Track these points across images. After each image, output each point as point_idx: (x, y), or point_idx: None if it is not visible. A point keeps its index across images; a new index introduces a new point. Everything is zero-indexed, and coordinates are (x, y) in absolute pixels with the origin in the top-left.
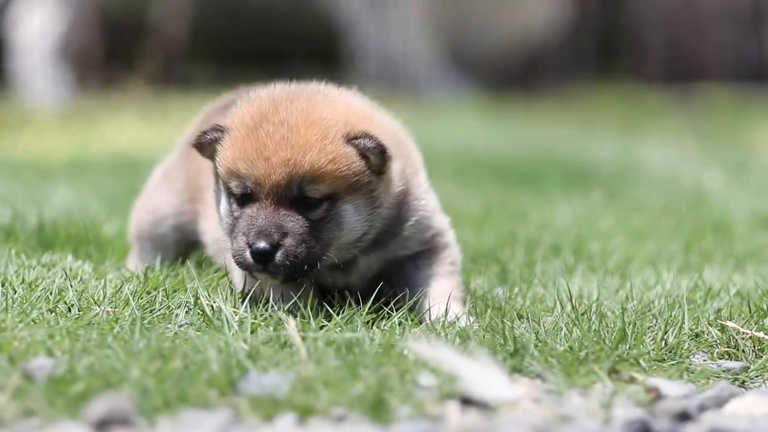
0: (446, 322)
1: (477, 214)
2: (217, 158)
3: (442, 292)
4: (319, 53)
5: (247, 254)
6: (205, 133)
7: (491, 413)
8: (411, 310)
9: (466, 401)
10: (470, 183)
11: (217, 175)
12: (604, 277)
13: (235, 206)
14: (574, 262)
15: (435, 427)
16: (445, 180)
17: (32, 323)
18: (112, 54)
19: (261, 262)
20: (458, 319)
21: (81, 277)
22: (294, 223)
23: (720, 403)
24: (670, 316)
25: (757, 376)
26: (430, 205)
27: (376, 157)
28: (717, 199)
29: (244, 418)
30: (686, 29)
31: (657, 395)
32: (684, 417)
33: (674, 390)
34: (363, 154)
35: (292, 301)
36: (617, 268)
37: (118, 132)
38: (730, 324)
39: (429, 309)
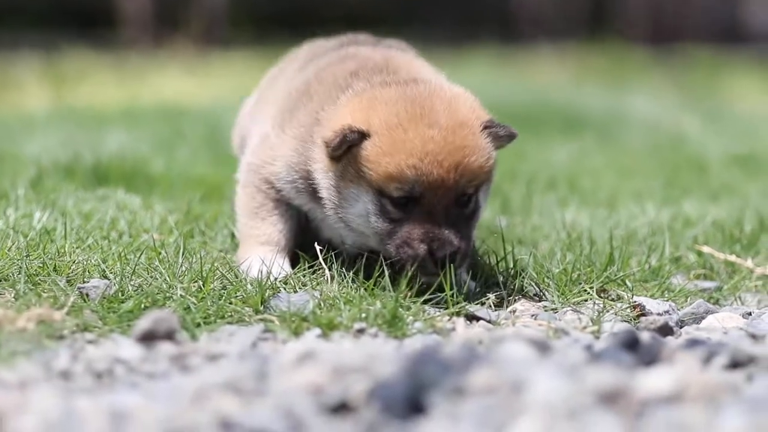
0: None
1: None
2: (361, 161)
3: None
4: (354, 16)
5: (429, 262)
6: (345, 136)
7: (494, 327)
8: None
9: (472, 318)
10: None
11: (354, 176)
12: (594, 208)
13: (391, 208)
14: (568, 196)
15: (444, 339)
16: None
17: (88, 249)
18: (159, 17)
19: (443, 267)
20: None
21: (131, 209)
22: (462, 224)
23: (697, 318)
24: (653, 242)
25: (729, 295)
26: None
27: (506, 142)
28: (695, 141)
29: (275, 332)
30: None
31: (641, 311)
32: (665, 330)
33: (656, 307)
34: (495, 139)
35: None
36: (606, 201)
37: (165, 85)
38: (705, 249)
39: None
